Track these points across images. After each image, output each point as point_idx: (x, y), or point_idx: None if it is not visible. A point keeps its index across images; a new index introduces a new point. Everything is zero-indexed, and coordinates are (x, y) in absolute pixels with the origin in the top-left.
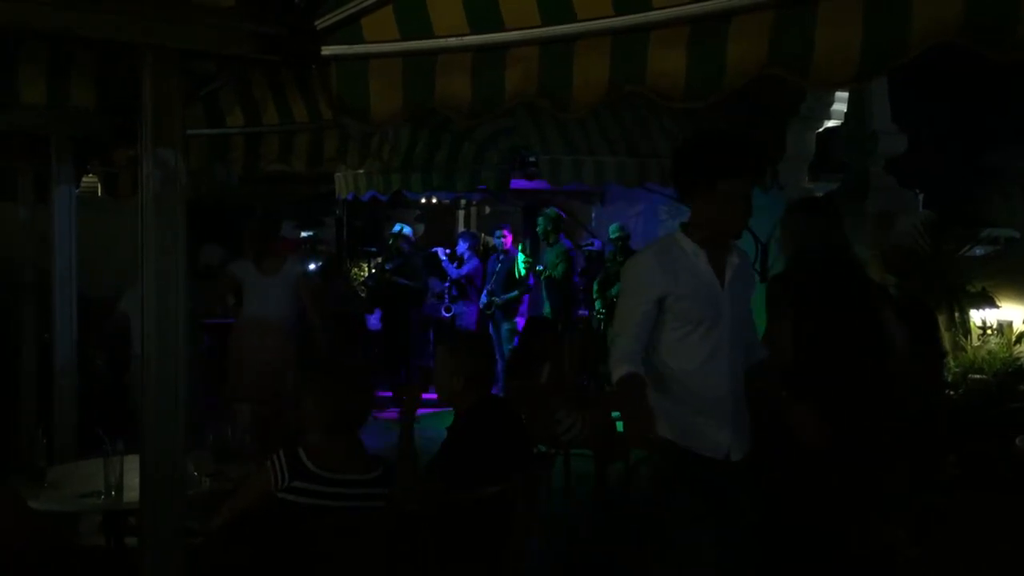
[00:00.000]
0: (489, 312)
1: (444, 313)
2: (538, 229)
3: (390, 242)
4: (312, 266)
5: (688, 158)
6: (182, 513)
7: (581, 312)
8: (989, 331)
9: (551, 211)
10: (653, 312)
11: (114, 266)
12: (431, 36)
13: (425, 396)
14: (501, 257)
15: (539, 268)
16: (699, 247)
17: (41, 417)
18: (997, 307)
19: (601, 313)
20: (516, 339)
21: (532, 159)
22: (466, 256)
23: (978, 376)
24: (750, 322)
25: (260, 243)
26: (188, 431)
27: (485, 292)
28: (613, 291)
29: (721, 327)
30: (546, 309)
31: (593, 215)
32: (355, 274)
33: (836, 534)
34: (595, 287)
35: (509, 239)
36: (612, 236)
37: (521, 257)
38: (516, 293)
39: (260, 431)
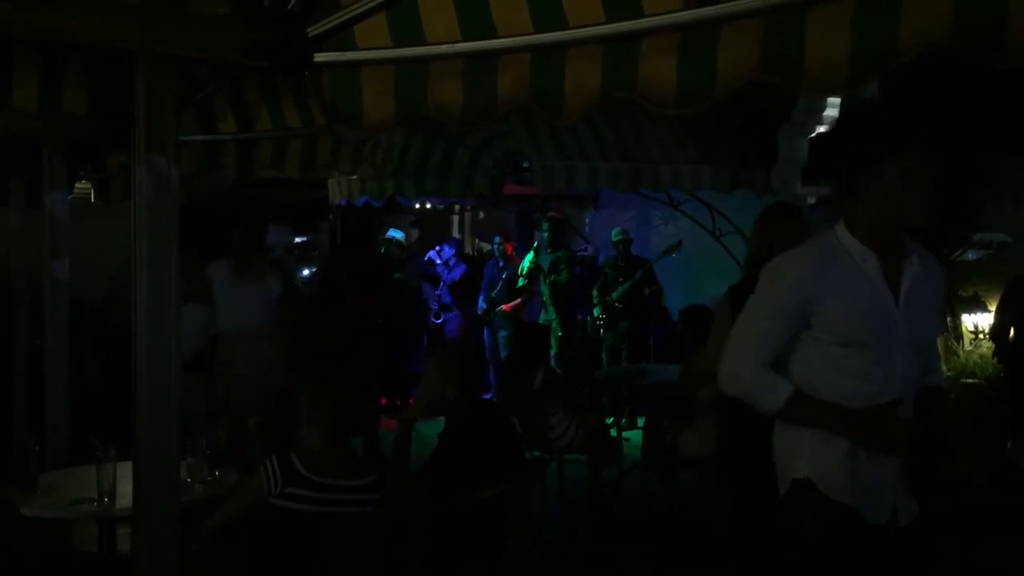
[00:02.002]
0: (488, 318)
1: (434, 320)
2: (544, 235)
3: (383, 250)
4: (306, 272)
5: (850, 129)
6: (176, 520)
7: (579, 316)
8: (981, 335)
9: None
10: (784, 325)
11: (107, 272)
12: (423, 43)
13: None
14: (501, 263)
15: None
16: (868, 250)
17: (33, 423)
18: (989, 311)
19: (601, 319)
20: None
21: (525, 164)
22: (452, 262)
23: (970, 380)
24: (932, 345)
25: (246, 248)
26: (182, 436)
27: (483, 298)
28: (614, 295)
29: (895, 355)
30: (551, 314)
31: (586, 220)
32: None
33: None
34: (595, 293)
35: (509, 246)
36: (614, 239)
37: (529, 256)
38: (520, 300)
39: (268, 441)
